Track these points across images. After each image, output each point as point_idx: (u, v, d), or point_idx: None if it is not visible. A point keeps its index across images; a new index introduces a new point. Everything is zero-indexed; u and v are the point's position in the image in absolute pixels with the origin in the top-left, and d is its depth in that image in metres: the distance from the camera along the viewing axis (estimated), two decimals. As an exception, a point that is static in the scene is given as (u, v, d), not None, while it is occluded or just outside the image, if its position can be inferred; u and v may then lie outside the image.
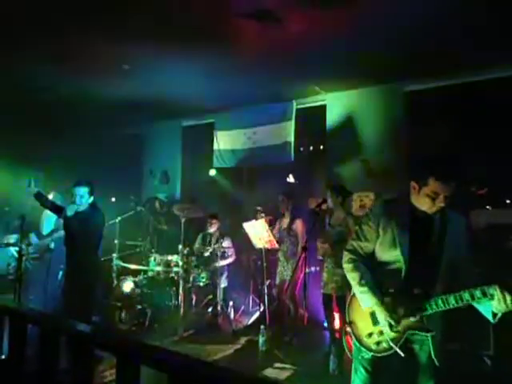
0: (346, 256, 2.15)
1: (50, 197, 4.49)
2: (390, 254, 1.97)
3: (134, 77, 5.17)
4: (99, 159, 7.20)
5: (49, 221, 5.35)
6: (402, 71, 4.91)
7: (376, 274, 2.04)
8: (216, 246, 5.27)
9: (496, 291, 1.68)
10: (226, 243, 5.39)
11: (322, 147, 6.27)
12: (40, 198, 3.73)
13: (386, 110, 5.37)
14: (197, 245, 5.64)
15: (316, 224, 3.86)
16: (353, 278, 2.08)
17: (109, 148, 7.43)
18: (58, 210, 3.85)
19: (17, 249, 5.09)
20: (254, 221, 4.57)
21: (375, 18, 3.67)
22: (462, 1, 3.38)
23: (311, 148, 6.51)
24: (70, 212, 3.65)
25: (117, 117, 6.89)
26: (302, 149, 6.35)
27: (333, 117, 5.80)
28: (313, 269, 4.91)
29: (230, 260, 5.42)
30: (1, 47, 4.46)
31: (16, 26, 3.99)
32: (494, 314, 1.75)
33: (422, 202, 1.91)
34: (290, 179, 7.09)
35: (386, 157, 5.25)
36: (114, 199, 7.31)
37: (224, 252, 5.25)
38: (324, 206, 4.01)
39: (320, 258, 4.14)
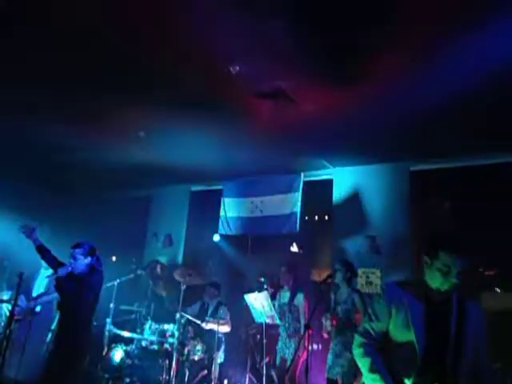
0: (357, 340, 2.03)
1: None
2: (404, 336, 1.87)
3: (147, 143, 5.36)
4: (105, 218, 7.22)
5: (41, 282, 5.21)
6: (408, 152, 5.08)
7: (389, 357, 1.92)
8: (213, 317, 5.04)
9: None
10: (224, 313, 5.14)
11: (326, 217, 6.30)
12: (42, 251, 3.67)
13: (392, 187, 5.45)
14: (194, 312, 5.40)
15: (321, 300, 3.73)
16: (363, 364, 1.95)
17: (115, 208, 7.49)
18: (58, 266, 3.78)
19: (9, 307, 4.90)
20: (256, 293, 4.42)
21: (386, 99, 3.86)
22: (463, 96, 3.60)
23: (316, 217, 6.53)
24: (61, 272, 3.59)
25: (127, 179, 7.03)
26: (306, 217, 6.36)
27: (339, 191, 5.88)
28: (315, 346, 4.64)
29: (226, 328, 5.10)
30: (19, 109, 4.67)
31: (35, 90, 4.20)
32: None
33: (434, 278, 1.87)
34: (294, 248, 7.01)
35: (392, 234, 5.22)
36: (114, 258, 7.20)
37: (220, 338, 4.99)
38: (329, 281, 3.91)
39: (325, 335, 3.93)
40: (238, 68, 3.42)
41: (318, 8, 2.71)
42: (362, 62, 3.30)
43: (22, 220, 5.59)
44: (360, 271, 5.07)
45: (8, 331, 3.90)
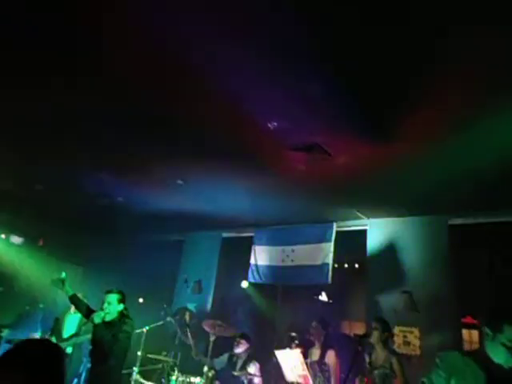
0: None
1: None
2: None
3: (184, 191, 5.50)
4: (136, 259, 7.33)
5: (71, 323, 5.25)
6: (446, 205, 4.94)
7: None
8: (242, 371, 4.85)
9: None
10: (253, 369, 4.94)
11: (359, 267, 6.12)
12: (76, 301, 3.75)
13: (429, 240, 5.26)
14: (222, 365, 5.23)
15: (355, 361, 3.52)
16: None
17: (147, 250, 7.60)
18: (90, 313, 3.83)
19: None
20: (287, 349, 4.25)
21: (422, 157, 3.84)
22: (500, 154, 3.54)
23: (348, 266, 6.35)
24: (97, 319, 3.62)
25: (161, 224, 7.18)
26: (336, 265, 6.20)
27: (374, 242, 5.73)
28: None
29: None
30: (63, 158, 4.96)
31: (79, 141, 4.47)
32: None
33: (498, 353, 1.73)
34: (323, 297, 6.79)
35: (430, 290, 4.97)
36: (141, 300, 7.19)
37: (250, 380, 4.79)
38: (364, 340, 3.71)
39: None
40: (275, 124, 3.52)
41: (357, 70, 2.80)
42: (399, 120, 3.33)
43: (58, 263, 5.79)
44: (397, 329, 4.81)
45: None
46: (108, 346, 3.59)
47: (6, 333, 5.30)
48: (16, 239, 6.92)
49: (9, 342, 4.66)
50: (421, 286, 5.06)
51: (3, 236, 6.66)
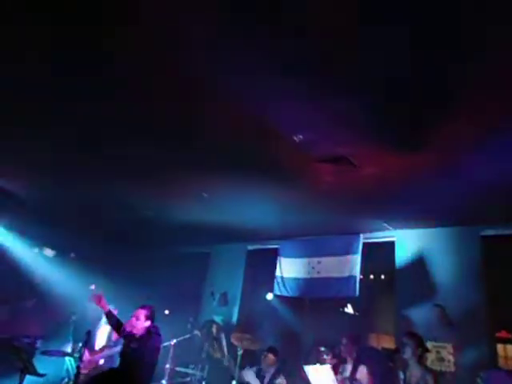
0: None
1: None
2: None
3: (209, 203, 5.56)
4: (163, 271, 7.42)
5: (102, 336, 5.35)
6: (477, 216, 4.80)
7: None
8: (271, 385, 4.80)
9: None
10: (282, 383, 4.89)
11: (385, 279, 5.99)
12: (111, 317, 3.83)
13: (461, 252, 5.11)
14: (249, 379, 5.18)
15: (389, 378, 3.44)
16: None
17: (173, 262, 7.69)
18: (120, 327, 3.90)
19: (72, 360, 5.05)
20: (318, 365, 4.18)
21: (450, 166, 3.76)
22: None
23: (374, 278, 6.23)
24: (124, 333, 3.69)
25: (187, 236, 7.27)
26: (361, 276, 6.09)
27: (402, 253, 5.61)
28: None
29: None
30: (92, 173, 5.11)
31: (108, 159, 4.61)
32: None
33: None
34: (349, 310, 6.68)
35: (463, 304, 4.81)
36: (167, 312, 7.25)
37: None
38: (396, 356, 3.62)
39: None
40: (301, 137, 3.54)
41: (383, 81, 2.79)
42: (426, 130, 3.28)
43: (89, 276, 5.93)
44: (429, 345, 4.65)
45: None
46: (133, 359, 3.66)
47: (40, 344, 5.48)
48: (49, 252, 7.14)
49: (44, 353, 4.78)
50: (452, 300, 4.91)
51: (37, 249, 6.88)
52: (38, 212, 6.43)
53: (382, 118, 3.20)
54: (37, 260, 6.86)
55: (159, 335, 3.89)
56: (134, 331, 3.83)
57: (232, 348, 5.33)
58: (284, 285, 6.51)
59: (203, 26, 2.48)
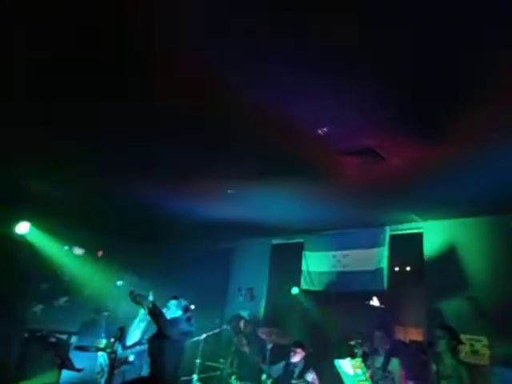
0: None
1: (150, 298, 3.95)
2: None
3: (233, 199, 5.57)
4: (188, 267, 7.51)
5: (135, 331, 5.42)
6: (509, 205, 4.64)
7: None
8: (300, 379, 4.80)
9: None
10: (311, 377, 4.88)
11: (413, 271, 5.88)
12: (135, 297, 3.71)
13: (494, 242, 4.95)
14: (278, 373, 5.20)
15: (422, 371, 3.39)
16: None
17: (198, 258, 7.77)
18: (158, 314, 3.80)
19: (105, 355, 5.17)
20: (349, 359, 4.14)
21: (480, 157, 3.65)
22: None
23: (401, 271, 6.13)
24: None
25: (212, 232, 7.32)
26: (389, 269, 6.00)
27: (431, 245, 5.48)
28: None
29: None
30: (118, 172, 5.15)
31: (129, 154, 4.61)
32: None
33: None
34: (374, 302, 6.61)
35: (498, 296, 4.66)
36: (193, 306, 7.33)
37: (309, 387, 4.74)
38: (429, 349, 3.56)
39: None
40: (326, 130, 3.49)
41: (408, 71, 2.72)
42: (452, 120, 3.18)
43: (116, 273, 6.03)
44: (463, 338, 4.55)
45: (109, 381, 4.11)
46: (156, 355, 3.75)
47: (74, 340, 5.65)
48: (78, 250, 7.32)
49: (78, 348, 4.92)
50: (486, 291, 4.78)
51: (67, 248, 7.07)
52: (68, 213, 6.60)
53: (407, 107, 3.12)
54: (67, 258, 7.05)
55: (190, 330, 3.94)
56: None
57: (260, 342, 5.36)
58: (311, 279, 6.49)
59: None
